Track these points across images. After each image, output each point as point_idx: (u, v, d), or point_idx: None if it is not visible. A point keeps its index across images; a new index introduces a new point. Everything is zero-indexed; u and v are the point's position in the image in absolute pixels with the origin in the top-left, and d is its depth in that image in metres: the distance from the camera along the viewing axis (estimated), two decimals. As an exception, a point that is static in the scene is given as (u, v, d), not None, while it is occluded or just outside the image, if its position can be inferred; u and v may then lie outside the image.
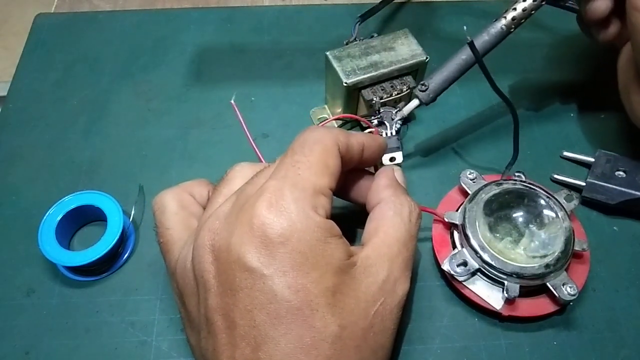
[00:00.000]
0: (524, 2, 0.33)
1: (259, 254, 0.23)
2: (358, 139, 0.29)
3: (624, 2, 0.32)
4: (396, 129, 0.35)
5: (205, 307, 0.24)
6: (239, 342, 0.23)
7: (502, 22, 0.33)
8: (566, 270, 0.31)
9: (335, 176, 0.27)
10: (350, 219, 0.31)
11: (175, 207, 0.29)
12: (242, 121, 0.38)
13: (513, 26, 0.33)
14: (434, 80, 0.33)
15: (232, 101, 0.38)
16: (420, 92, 0.34)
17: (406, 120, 0.36)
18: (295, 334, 0.23)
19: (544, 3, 0.34)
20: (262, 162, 0.37)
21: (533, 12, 0.34)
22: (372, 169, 0.33)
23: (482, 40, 0.33)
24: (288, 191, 0.24)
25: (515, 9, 0.33)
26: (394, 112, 0.36)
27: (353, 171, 0.31)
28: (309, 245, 0.24)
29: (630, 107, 0.34)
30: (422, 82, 0.34)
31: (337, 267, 0.24)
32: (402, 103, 0.37)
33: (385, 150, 0.32)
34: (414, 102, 0.34)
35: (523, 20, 0.34)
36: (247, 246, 0.23)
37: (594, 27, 0.35)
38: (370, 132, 0.36)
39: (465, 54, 0.33)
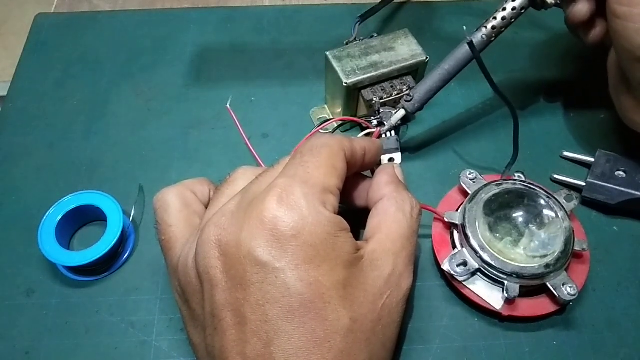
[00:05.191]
0: (503, 11, 0.34)
1: (270, 247, 0.23)
2: (360, 144, 0.29)
3: (605, 3, 0.32)
4: (390, 136, 0.36)
5: (212, 303, 0.24)
6: (249, 338, 0.23)
7: (483, 32, 0.34)
8: (566, 270, 0.31)
9: (342, 178, 0.27)
10: (349, 219, 0.31)
11: (179, 204, 0.29)
12: (238, 124, 0.38)
13: (494, 35, 0.34)
14: (419, 91, 0.35)
15: (228, 105, 0.38)
16: (406, 103, 0.35)
17: (406, 120, 0.36)
18: (309, 327, 0.23)
19: (523, 11, 0.34)
20: (260, 164, 0.37)
21: (513, 20, 0.34)
22: (367, 172, 0.33)
23: (462, 52, 0.34)
24: (298, 187, 0.25)
25: (495, 18, 0.34)
26: (392, 112, 0.36)
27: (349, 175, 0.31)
28: (320, 239, 0.24)
29: (620, 107, 0.34)
30: (407, 93, 0.35)
31: (346, 260, 0.25)
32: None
33: (381, 152, 0.33)
34: (400, 113, 0.35)
35: (503, 29, 0.34)
36: (258, 240, 0.23)
37: (580, 29, 0.35)
38: (370, 132, 0.36)
39: (447, 64, 0.34)
